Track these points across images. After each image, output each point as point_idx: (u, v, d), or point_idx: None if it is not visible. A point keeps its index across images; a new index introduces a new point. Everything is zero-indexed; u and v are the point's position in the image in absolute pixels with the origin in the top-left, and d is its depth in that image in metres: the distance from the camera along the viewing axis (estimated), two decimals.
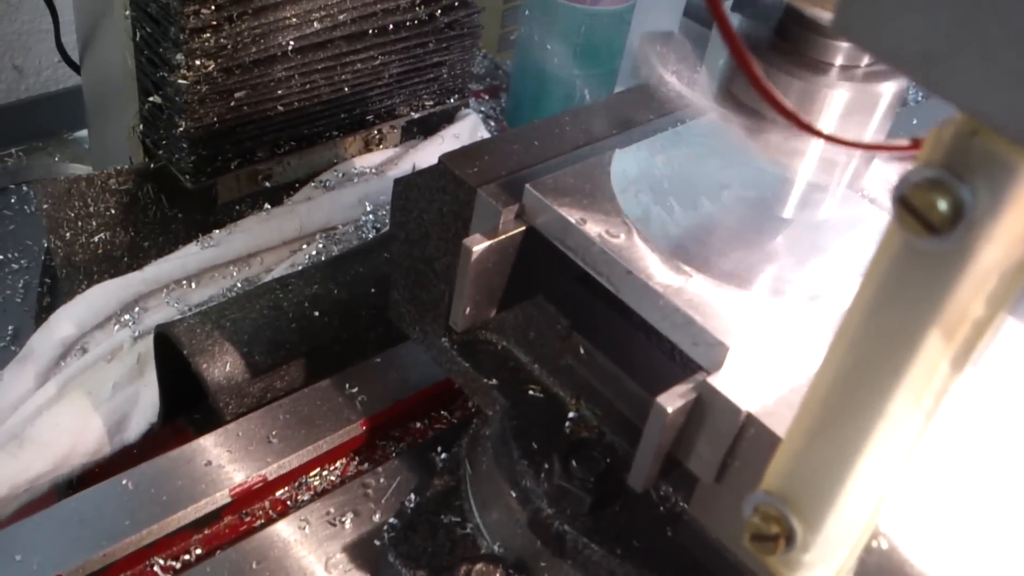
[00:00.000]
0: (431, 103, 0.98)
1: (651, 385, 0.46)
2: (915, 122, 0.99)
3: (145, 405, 0.73)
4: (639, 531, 0.50)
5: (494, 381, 0.57)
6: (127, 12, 0.81)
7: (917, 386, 0.30)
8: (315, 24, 0.82)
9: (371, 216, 0.89)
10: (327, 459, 0.65)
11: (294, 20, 0.80)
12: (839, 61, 0.45)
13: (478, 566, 0.52)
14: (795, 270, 0.49)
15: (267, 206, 0.89)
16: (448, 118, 1.01)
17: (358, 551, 0.59)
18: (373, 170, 0.95)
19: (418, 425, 0.69)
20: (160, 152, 0.86)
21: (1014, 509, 0.41)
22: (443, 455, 0.64)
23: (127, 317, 0.79)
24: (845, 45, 0.45)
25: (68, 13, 0.97)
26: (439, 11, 0.90)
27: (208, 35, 0.76)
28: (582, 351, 0.53)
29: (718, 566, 0.48)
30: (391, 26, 0.87)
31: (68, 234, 0.84)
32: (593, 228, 0.49)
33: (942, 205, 0.27)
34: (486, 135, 1.02)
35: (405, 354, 0.70)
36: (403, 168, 0.94)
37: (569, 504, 0.50)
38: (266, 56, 0.80)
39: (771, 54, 0.45)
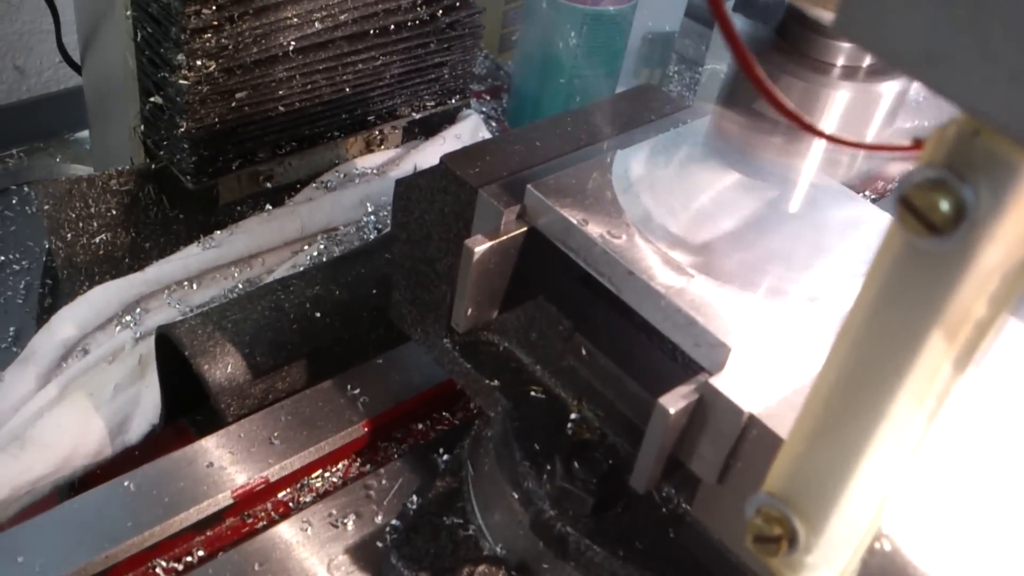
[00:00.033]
0: (432, 103, 0.98)
1: (653, 386, 0.46)
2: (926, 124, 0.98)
3: (147, 406, 0.73)
4: (641, 532, 0.50)
5: (496, 382, 0.57)
6: (128, 12, 0.81)
7: (919, 387, 0.30)
8: (316, 24, 0.82)
9: (372, 217, 0.89)
10: (329, 460, 0.65)
11: (295, 20, 0.80)
12: (841, 61, 0.45)
13: (480, 568, 0.52)
14: (797, 271, 0.49)
15: (268, 207, 0.89)
16: (449, 119, 1.01)
17: (360, 553, 0.59)
18: (374, 171, 0.95)
19: (420, 426, 0.69)
20: (161, 153, 0.85)
21: (1016, 510, 0.41)
22: (445, 456, 0.64)
23: (128, 318, 0.79)
24: (847, 46, 0.45)
25: (69, 13, 0.96)
26: (440, 11, 0.90)
27: (209, 35, 0.76)
28: (584, 352, 0.53)
29: (721, 568, 0.48)
30: (392, 26, 0.87)
31: (69, 235, 0.84)
32: (595, 229, 0.49)
33: (944, 205, 0.26)
34: (487, 136, 1.02)
35: (407, 355, 0.70)
36: (404, 169, 0.94)
37: (571, 505, 0.50)
38: (267, 56, 0.80)
39: (773, 54, 0.45)
